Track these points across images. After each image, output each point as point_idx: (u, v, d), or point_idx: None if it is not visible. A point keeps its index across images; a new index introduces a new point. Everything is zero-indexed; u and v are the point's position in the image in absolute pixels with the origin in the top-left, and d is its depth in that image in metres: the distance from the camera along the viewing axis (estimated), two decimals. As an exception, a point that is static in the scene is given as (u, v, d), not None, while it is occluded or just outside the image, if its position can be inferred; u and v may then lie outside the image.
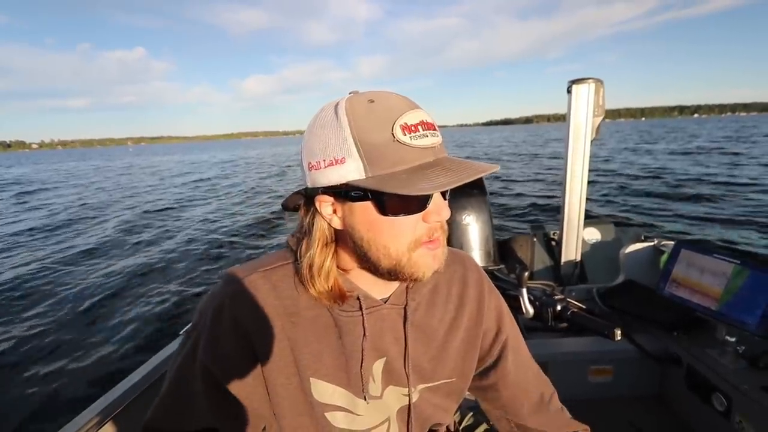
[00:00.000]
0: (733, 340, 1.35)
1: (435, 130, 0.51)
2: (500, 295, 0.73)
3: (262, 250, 6.59)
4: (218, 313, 0.56)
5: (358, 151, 0.48)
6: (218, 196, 13.25)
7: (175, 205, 11.41)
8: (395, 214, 0.50)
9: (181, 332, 1.29)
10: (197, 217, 9.43)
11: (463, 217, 2.03)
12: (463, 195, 2.06)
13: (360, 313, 0.58)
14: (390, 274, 0.54)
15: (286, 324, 0.57)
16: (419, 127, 0.49)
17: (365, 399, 0.59)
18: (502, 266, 2.12)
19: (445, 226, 0.56)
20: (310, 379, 0.58)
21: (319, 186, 0.52)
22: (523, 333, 1.73)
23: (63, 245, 7.55)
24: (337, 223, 0.55)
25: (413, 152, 0.49)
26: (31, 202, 13.90)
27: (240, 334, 0.56)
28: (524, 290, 1.52)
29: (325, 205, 0.54)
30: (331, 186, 0.51)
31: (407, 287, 0.62)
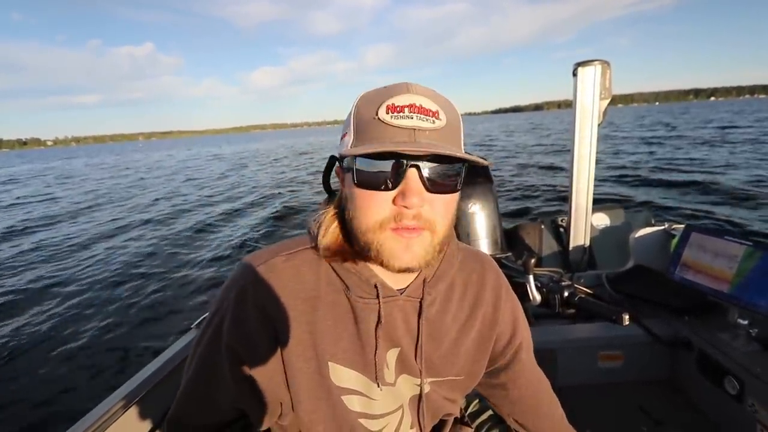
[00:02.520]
0: (746, 323, 1.33)
1: (431, 116, 0.50)
2: (517, 301, 0.73)
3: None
4: (242, 295, 0.57)
5: (353, 126, 0.53)
6: (232, 189, 13.33)
7: (192, 201, 11.52)
8: (361, 185, 0.52)
9: (193, 325, 1.31)
10: (219, 212, 9.53)
11: (469, 205, 2.02)
12: (469, 184, 2.04)
13: (377, 300, 0.59)
14: (365, 251, 0.54)
15: (306, 308, 0.58)
16: (405, 109, 0.50)
17: (379, 385, 0.60)
18: (509, 254, 2.11)
19: (436, 221, 0.53)
20: (329, 363, 0.58)
21: (339, 156, 0.58)
22: (530, 320, 1.73)
23: (85, 233, 7.83)
24: (344, 193, 0.58)
25: (389, 130, 0.50)
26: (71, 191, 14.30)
27: (263, 317, 0.57)
28: (531, 277, 1.51)
29: (339, 175, 0.59)
30: (340, 156, 0.57)
31: (424, 280, 0.61)
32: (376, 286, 0.58)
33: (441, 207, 0.53)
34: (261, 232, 7.45)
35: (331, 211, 0.60)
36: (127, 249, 6.73)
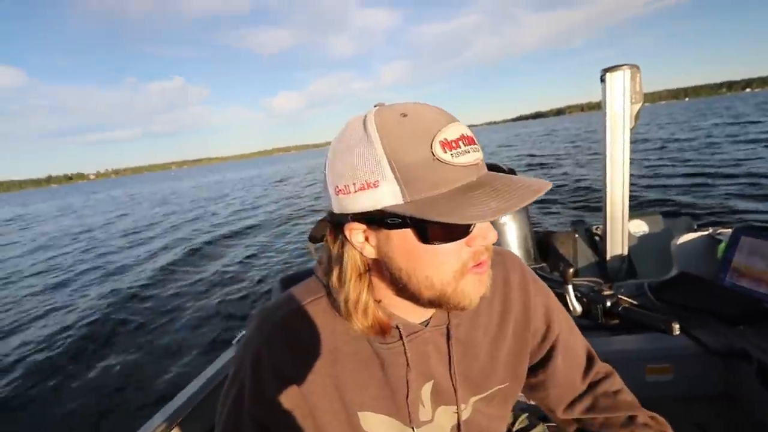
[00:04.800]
0: None
1: (476, 144, 0.47)
2: (548, 290, 0.69)
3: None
4: (257, 361, 0.54)
5: (393, 172, 0.43)
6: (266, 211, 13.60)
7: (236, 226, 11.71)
8: (438, 242, 0.46)
9: (233, 341, 1.33)
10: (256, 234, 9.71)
11: (500, 216, 2.01)
12: None
13: (401, 342, 0.55)
14: (432, 304, 0.50)
15: (327, 361, 0.55)
16: (460, 143, 0.44)
17: (413, 429, 0.58)
18: (543, 264, 2.07)
19: (491, 247, 0.52)
20: (358, 413, 0.56)
21: (348, 212, 0.47)
22: None
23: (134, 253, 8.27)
24: (370, 252, 0.50)
25: (455, 171, 0.44)
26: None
27: (282, 379, 0.54)
28: (570, 287, 1.47)
29: (356, 233, 0.49)
30: (363, 212, 0.46)
31: None
32: (397, 327, 0.55)
33: None
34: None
35: (350, 280, 0.51)
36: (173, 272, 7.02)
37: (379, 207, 0.45)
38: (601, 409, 0.66)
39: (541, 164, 15.57)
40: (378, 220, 0.46)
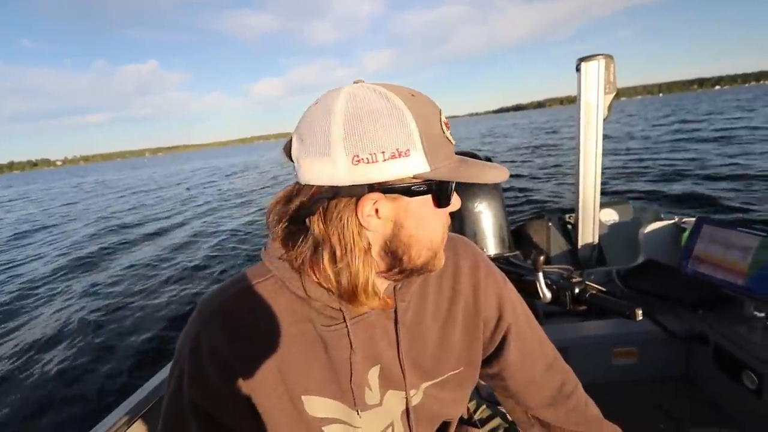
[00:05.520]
0: (762, 315, 1.31)
1: None
2: (503, 280, 0.68)
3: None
4: (195, 346, 0.53)
5: (422, 143, 0.47)
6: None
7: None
8: (448, 205, 0.53)
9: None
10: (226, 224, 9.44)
11: (475, 204, 2.01)
12: (474, 183, 2.04)
13: (344, 325, 0.55)
14: (419, 269, 0.55)
15: (269, 344, 0.54)
16: (449, 124, 0.53)
17: (358, 412, 0.57)
18: (517, 252, 2.10)
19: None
20: (302, 396, 0.55)
21: (371, 182, 0.46)
22: (541, 319, 1.71)
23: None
24: (376, 226, 0.49)
25: (450, 147, 0.52)
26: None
27: (221, 365, 0.52)
28: (540, 275, 1.49)
29: (368, 204, 0.48)
30: (390, 181, 0.47)
31: (395, 288, 0.58)
32: (340, 310, 0.54)
33: None
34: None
35: (360, 254, 0.49)
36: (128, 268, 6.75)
37: (410, 174, 0.47)
38: (572, 423, 0.68)
39: (520, 155, 15.85)
40: (403, 188, 0.48)
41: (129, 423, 0.95)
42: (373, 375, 0.58)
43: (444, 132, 0.50)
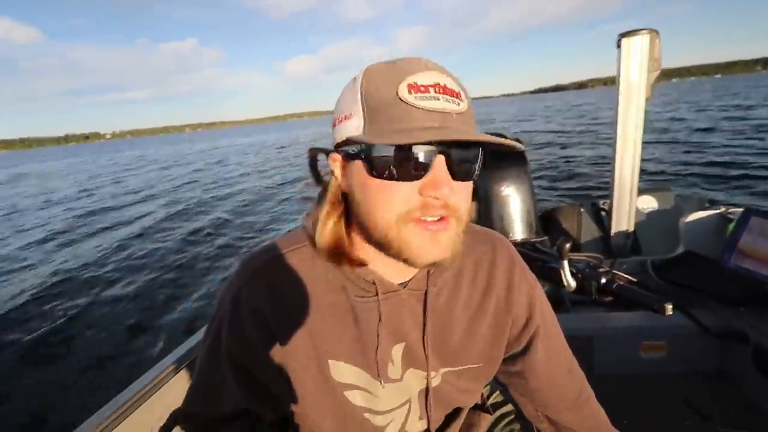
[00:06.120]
0: None
1: (456, 97, 0.47)
2: (535, 282, 0.68)
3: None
4: (236, 301, 0.57)
5: (362, 107, 0.47)
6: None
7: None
8: (383, 175, 0.47)
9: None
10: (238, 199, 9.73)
11: (502, 188, 1.96)
12: (502, 166, 1.97)
13: (376, 298, 0.56)
14: (382, 248, 0.51)
15: (303, 308, 0.57)
16: (430, 89, 0.45)
17: (381, 383, 0.59)
18: (545, 238, 2.03)
19: (461, 209, 0.50)
20: (329, 361, 0.58)
21: (334, 143, 0.53)
22: (566, 306, 1.65)
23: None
24: (335, 184, 0.54)
25: (416, 113, 0.45)
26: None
27: (259, 321, 0.56)
28: (565, 262, 1.44)
29: (335, 163, 0.53)
30: (338, 143, 0.52)
31: (428, 272, 0.59)
32: (374, 283, 0.56)
33: (464, 194, 0.50)
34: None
35: (326, 206, 0.54)
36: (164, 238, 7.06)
37: (344, 137, 0.50)
38: (586, 428, 0.69)
39: (557, 137, 15.14)
40: (344, 151, 0.51)
41: (169, 377, 1.02)
42: (397, 351, 0.59)
43: (399, 95, 0.45)
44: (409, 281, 0.58)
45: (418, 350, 0.60)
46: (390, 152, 0.46)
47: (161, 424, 0.98)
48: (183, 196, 11.29)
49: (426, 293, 0.59)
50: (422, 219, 0.48)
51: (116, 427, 0.88)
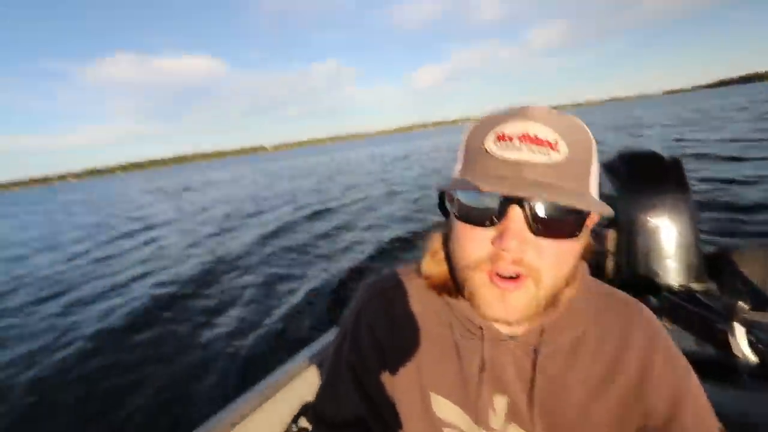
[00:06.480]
0: None
1: (544, 146, 0.44)
2: (686, 371, 0.55)
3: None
4: (357, 318, 0.64)
5: (463, 155, 0.52)
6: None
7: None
8: (461, 218, 0.49)
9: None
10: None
11: (649, 218, 1.63)
12: (651, 192, 1.65)
13: (480, 343, 0.56)
14: (462, 291, 0.52)
15: (412, 336, 0.60)
16: (516, 139, 0.45)
17: (482, 430, 0.57)
18: (711, 286, 1.63)
19: (542, 270, 0.46)
20: (431, 393, 0.58)
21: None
22: (741, 378, 1.29)
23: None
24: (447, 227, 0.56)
25: (492, 162, 0.46)
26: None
27: (374, 340, 0.62)
28: (736, 325, 1.12)
29: (449, 203, 0.55)
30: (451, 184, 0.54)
31: (542, 329, 0.54)
32: (480, 328, 0.55)
33: (551, 254, 0.46)
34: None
35: (439, 238, 0.59)
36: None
37: (444, 185, 0.52)
38: None
39: (739, 149, 9.95)
40: (450, 192, 0.52)
41: (304, 369, 1.15)
42: (500, 402, 0.57)
43: (484, 145, 0.47)
44: (518, 336, 0.55)
45: (523, 407, 0.55)
46: (473, 198, 0.48)
47: (294, 413, 1.10)
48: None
49: (536, 350, 0.54)
50: (495, 273, 0.47)
51: (254, 411, 1.02)
